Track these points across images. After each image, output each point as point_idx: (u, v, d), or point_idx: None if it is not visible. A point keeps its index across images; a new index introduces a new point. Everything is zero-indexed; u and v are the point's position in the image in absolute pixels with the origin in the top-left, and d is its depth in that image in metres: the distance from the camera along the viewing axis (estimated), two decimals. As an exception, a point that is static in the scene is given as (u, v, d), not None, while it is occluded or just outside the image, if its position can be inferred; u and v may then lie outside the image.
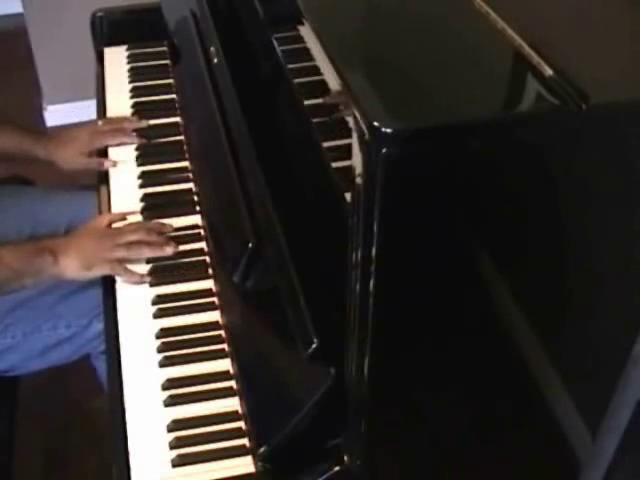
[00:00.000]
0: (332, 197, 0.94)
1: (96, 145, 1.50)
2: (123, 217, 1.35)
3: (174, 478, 1.04)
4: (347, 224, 0.77)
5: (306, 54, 0.94)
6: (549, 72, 0.75)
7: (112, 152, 1.50)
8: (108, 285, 1.28)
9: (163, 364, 1.15)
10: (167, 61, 1.69)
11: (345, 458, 0.93)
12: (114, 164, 1.46)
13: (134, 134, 1.50)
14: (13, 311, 1.35)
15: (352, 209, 0.75)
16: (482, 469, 1.01)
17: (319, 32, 0.84)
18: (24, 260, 1.22)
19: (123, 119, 1.54)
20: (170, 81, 1.65)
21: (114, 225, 1.33)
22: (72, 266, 1.22)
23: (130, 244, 1.26)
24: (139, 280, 1.25)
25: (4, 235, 1.43)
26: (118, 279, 1.27)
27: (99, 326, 1.33)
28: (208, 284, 1.25)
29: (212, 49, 1.37)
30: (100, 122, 1.56)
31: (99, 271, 1.24)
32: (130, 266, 1.26)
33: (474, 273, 0.82)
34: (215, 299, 1.23)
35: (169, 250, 1.27)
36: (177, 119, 1.56)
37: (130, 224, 1.33)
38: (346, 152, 0.74)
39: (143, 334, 1.19)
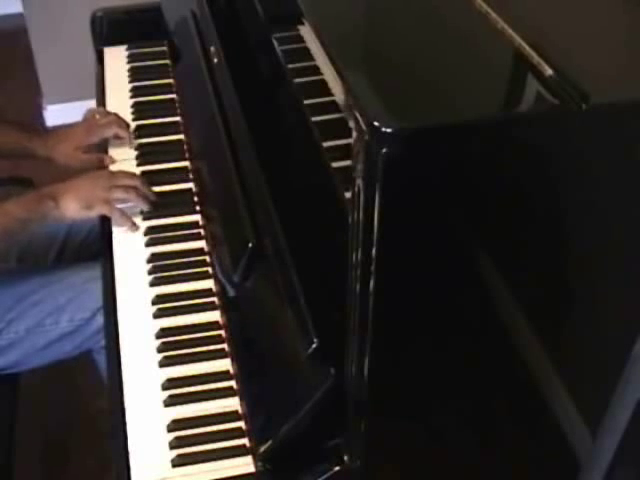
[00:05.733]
0: (332, 197, 0.94)
1: (92, 139, 1.50)
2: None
3: (174, 478, 1.04)
4: (347, 224, 0.77)
5: (306, 54, 0.95)
6: (549, 72, 0.75)
7: (112, 151, 1.50)
8: (108, 284, 1.28)
9: (163, 364, 1.15)
10: (167, 61, 1.70)
11: (345, 458, 0.93)
12: (113, 161, 1.47)
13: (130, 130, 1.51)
14: (16, 306, 1.35)
15: (352, 209, 0.75)
16: (482, 469, 1.01)
17: (319, 32, 0.84)
18: (28, 209, 1.29)
19: (117, 117, 1.54)
20: (170, 81, 1.65)
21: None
22: (72, 207, 1.29)
23: (126, 187, 1.32)
24: (132, 226, 1.33)
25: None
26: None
27: (102, 320, 1.33)
28: (208, 284, 1.25)
29: (212, 49, 1.37)
30: (97, 115, 1.56)
31: (98, 211, 1.31)
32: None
33: (474, 273, 0.82)
34: (215, 299, 1.23)
35: (153, 199, 1.36)
36: (177, 119, 1.56)
37: (125, 171, 1.40)
38: (346, 152, 0.74)
39: (143, 334, 1.19)
